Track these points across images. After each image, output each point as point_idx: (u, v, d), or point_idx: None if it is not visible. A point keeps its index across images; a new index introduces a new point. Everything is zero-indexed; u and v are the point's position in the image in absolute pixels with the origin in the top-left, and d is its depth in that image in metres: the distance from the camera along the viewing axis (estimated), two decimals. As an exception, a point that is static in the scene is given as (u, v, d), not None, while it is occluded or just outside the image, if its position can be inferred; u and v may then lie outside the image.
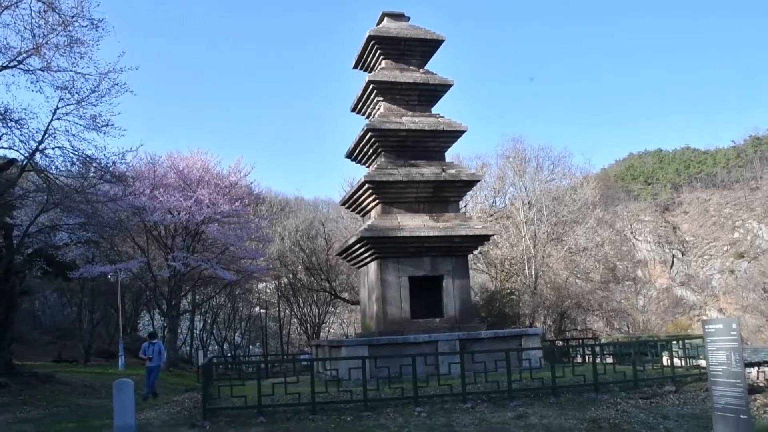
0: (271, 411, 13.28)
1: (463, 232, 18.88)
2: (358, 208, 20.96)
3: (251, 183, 39.09)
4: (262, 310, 55.80)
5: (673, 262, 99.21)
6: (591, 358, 17.42)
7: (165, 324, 36.84)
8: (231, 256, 35.44)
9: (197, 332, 48.92)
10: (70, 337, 40.46)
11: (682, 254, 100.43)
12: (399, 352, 16.32)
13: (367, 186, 18.99)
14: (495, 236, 36.03)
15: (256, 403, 13.11)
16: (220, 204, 31.12)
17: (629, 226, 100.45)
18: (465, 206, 37.99)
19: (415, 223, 18.85)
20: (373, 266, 19.27)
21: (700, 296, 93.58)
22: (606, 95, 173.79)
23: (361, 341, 17.39)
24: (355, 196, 20.20)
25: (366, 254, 19.34)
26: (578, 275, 34.95)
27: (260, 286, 51.50)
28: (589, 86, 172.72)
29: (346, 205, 21.79)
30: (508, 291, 32.15)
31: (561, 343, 25.45)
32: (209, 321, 49.51)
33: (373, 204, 19.66)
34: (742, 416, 11.22)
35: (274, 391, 13.50)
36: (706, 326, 13.15)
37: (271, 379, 16.70)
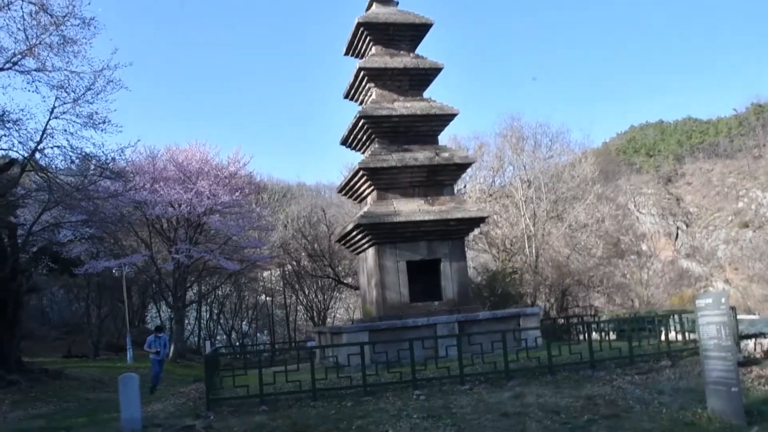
0: (274, 399, 13.54)
1: (458, 215, 19.06)
2: (355, 195, 21.16)
3: (252, 172, 39.42)
4: (268, 298, 56.20)
5: (677, 234, 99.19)
6: (587, 336, 17.63)
7: (171, 316, 37.21)
8: (234, 246, 35.71)
9: (204, 322, 49.33)
10: (78, 332, 40.92)
11: (687, 226, 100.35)
12: (399, 336, 16.52)
13: (361, 173, 19.17)
14: (495, 216, 36.22)
15: (258, 392, 13.38)
16: (221, 195, 31.32)
17: (632, 200, 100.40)
18: (464, 186, 38.16)
19: (410, 208, 19.04)
20: (371, 252, 19.50)
21: (706, 268, 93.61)
22: (604, 67, 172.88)
23: (361, 327, 17.65)
24: (351, 183, 20.39)
25: (363, 240, 19.56)
26: (579, 252, 35.12)
27: (265, 274, 51.84)
28: (588, 58, 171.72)
29: (343, 192, 21.97)
30: (510, 270, 32.36)
31: (562, 321, 25.67)
32: (216, 311, 49.91)
33: (368, 190, 19.84)
34: (733, 389, 11.44)
35: (276, 379, 13.78)
36: (697, 301, 13.35)
37: (273, 368, 16.99)
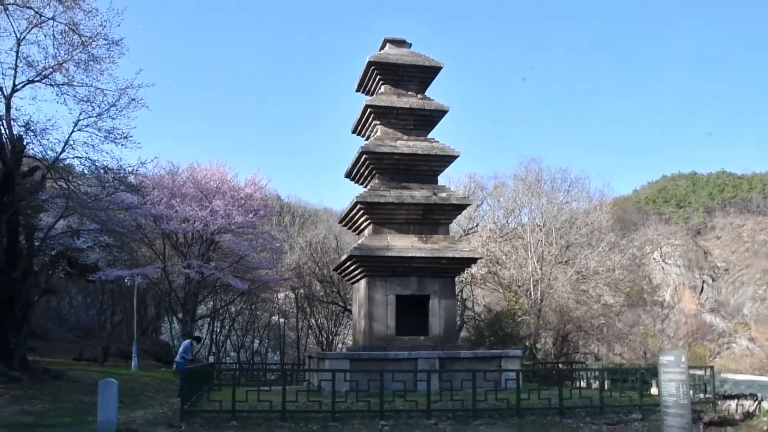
0: (246, 416, 14.15)
1: (450, 255, 19.59)
2: (354, 227, 21.83)
3: (276, 192, 40.34)
4: (281, 319, 56.96)
5: (702, 287, 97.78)
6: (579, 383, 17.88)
7: (179, 329, 38.05)
8: (245, 265, 36.59)
9: (215, 337, 50.14)
10: (92, 336, 41.99)
11: (713, 280, 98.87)
12: (381, 367, 17.01)
13: (359, 206, 19.86)
14: (503, 257, 36.59)
15: (230, 407, 14.00)
16: (234, 215, 32.31)
17: (659, 250, 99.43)
18: (476, 226, 38.62)
19: (403, 244, 19.63)
20: (362, 283, 20.09)
21: (730, 324, 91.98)
22: (636, 117, 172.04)
23: (343, 355, 18.24)
24: (350, 215, 21.08)
25: (356, 272, 20.18)
26: (586, 299, 35.24)
27: (280, 295, 52.66)
28: (621, 104, 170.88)
29: (344, 224, 22.67)
30: (512, 312, 32.64)
31: (548, 365, 25.88)
32: (227, 327, 50.72)
33: (365, 224, 20.50)
34: (687, 446, 11.79)
35: (248, 397, 14.39)
36: (661, 357, 13.68)
37: (262, 387, 17.57)
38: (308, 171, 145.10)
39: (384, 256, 19.20)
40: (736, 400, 18.03)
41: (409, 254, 19.33)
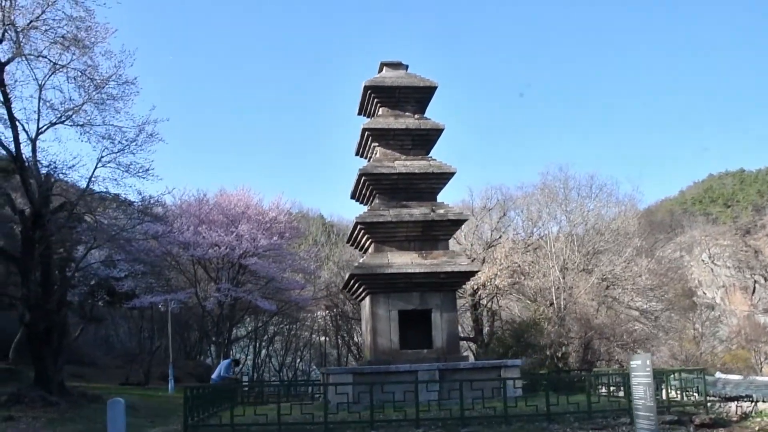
0: (245, 430, 15.06)
1: (449, 269, 20.23)
2: (358, 246, 22.66)
3: (318, 213, 41.48)
4: (323, 337, 58.09)
5: (754, 287, 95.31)
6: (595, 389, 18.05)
7: (215, 351, 39.37)
8: (275, 287, 37.74)
9: (254, 358, 51.44)
10: (136, 361, 43.79)
11: (765, 280, 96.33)
12: (383, 380, 17.71)
13: (359, 227, 20.69)
14: (527, 267, 36.86)
15: (229, 422, 14.96)
16: (260, 239, 33.51)
17: (707, 251, 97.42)
18: (499, 238, 38.98)
19: (403, 261, 20.35)
20: (367, 300, 20.88)
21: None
22: (683, 113, 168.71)
23: (346, 370, 19.06)
24: (354, 235, 21.92)
25: (360, 290, 20.98)
26: (613, 306, 35.23)
27: (319, 314, 53.79)
28: (648, 111, 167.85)
29: (350, 244, 23.51)
30: (536, 322, 32.90)
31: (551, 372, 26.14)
32: (265, 348, 52.01)
33: (367, 243, 21.30)
34: (655, 449, 12.22)
35: (245, 412, 15.31)
36: (631, 362, 14.10)
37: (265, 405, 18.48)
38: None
39: (384, 273, 19.95)
40: (736, 402, 18.15)
41: (409, 270, 20.02)
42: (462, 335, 42.18)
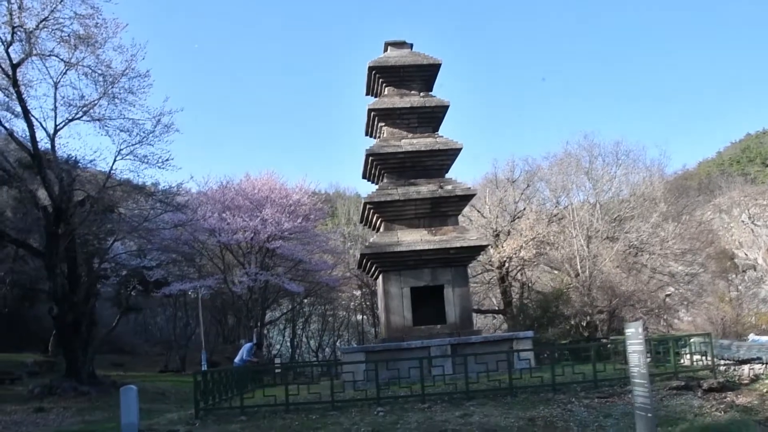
0: (254, 411, 15.50)
1: (458, 244, 20.31)
2: (370, 225, 22.88)
3: (356, 192, 41.86)
4: (361, 316, 58.68)
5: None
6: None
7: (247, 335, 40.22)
8: (304, 269, 38.29)
9: (292, 339, 52.36)
10: (175, 348, 45.05)
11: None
12: (397, 357, 18.00)
13: (368, 206, 20.88)
14: (552, 237, 36.67)
15: (239, 404, 15.43)
16: (284, 222, 33.97)
17: (747, 212, 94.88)
18: (524, 209, 38.79)
19: (412, 238, 20.50)
20: (380, 279, 21.12)
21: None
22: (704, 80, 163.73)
23: (358, 348, 19.35)
24: (365, 215, 22.13)
25: (372, 268, 21.23)
26: (638, 272, 34.81)
27: (356, 293, 54.34)
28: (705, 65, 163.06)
29: (362, 223, 23.73)
30: (561, 292, 32.78)
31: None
32: (300, 329, 52.85)
33: (377, 221, 21.50)
34: (649, 415, 12.25)
35: (254, 395, 15.76)
36: (626, 329, 14.09)
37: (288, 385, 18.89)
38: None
39: (394, 252, 20.13)
40: (748, 365, 17.96)
41: (418, 247, 20.17)
42: (491, 308, 42.32)
